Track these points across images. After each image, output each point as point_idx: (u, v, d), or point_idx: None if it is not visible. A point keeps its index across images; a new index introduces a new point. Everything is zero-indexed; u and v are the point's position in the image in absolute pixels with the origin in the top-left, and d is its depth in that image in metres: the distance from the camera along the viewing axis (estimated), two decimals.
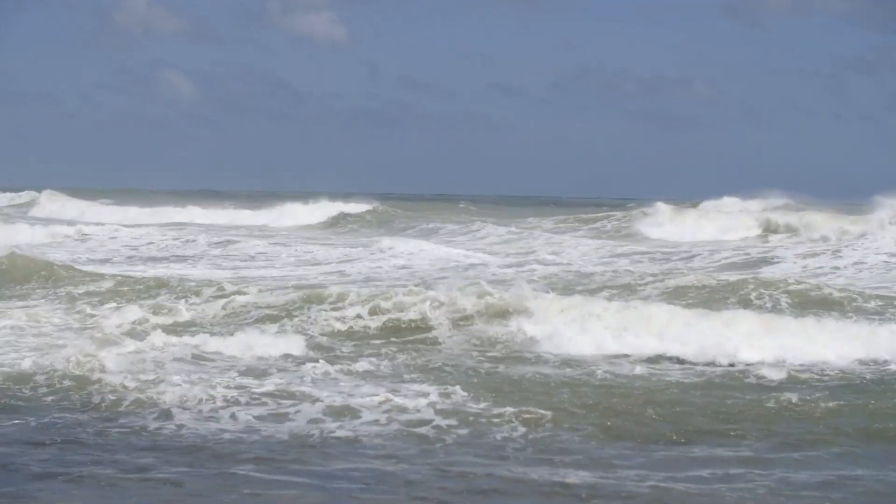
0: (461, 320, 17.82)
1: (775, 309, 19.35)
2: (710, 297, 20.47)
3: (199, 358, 15.04)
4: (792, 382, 14.11)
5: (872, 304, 19.70)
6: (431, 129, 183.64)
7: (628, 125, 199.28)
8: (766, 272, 27.12)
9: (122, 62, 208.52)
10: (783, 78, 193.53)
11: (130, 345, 15.04)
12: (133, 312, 18.14)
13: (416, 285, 20.23)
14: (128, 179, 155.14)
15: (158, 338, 15.62)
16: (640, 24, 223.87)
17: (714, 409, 12.52)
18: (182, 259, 31.36)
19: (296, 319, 18.14)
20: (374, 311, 18.09)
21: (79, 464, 9.99)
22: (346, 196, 64.19)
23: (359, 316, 17.96)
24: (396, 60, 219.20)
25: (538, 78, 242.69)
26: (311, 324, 17.83)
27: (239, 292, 19.94)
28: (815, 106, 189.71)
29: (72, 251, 33.86)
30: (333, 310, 18.33)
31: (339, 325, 17.68)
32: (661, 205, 46.82)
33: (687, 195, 66.62)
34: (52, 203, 69.07)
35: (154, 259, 31.72)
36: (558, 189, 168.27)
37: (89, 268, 25.68)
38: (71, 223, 46.15)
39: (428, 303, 18.06)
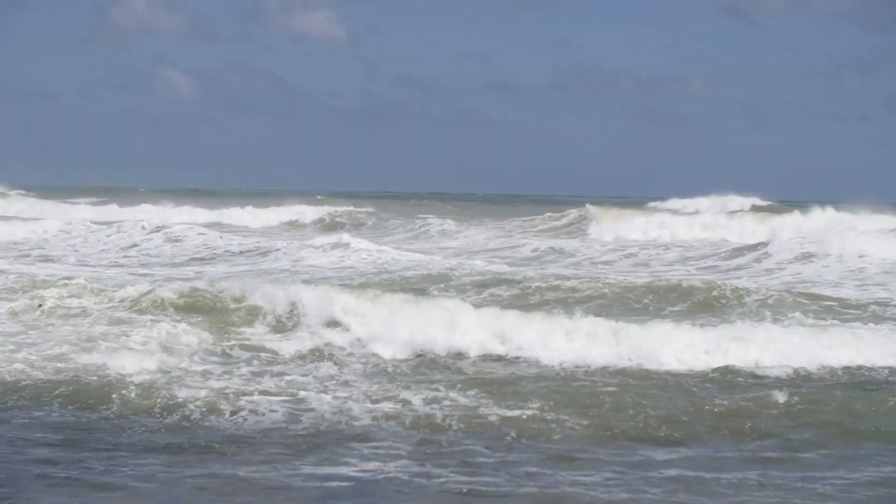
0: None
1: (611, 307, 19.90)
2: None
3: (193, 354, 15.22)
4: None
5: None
6: (430, 127, 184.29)
7: (627, 124, 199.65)
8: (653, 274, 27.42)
9: (121, 60, 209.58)
10: (781, 77, 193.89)
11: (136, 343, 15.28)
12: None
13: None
14: (126, 178, 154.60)
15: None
16: (638, 24, 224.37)
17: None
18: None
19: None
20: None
21: (89, 463, 10.16)
22: (332, 196, 64.57)
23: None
24: (395, 59, 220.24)
25: (536, 77, 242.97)
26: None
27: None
28: (812, 105, 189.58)
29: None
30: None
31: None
32: (590, 206, 48.73)
33: (685, 193, 67.16)
34: (20, 202, 68.51)
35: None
36: (557, 188, 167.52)
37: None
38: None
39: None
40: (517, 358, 15.56)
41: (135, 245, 33.74)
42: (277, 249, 30.83)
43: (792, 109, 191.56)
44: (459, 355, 15.71)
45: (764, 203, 61.35)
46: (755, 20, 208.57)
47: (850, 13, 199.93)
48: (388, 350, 15.61)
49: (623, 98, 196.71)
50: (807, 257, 29.70)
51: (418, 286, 21.99)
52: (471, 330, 16.36)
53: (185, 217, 56.30)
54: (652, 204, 64.13)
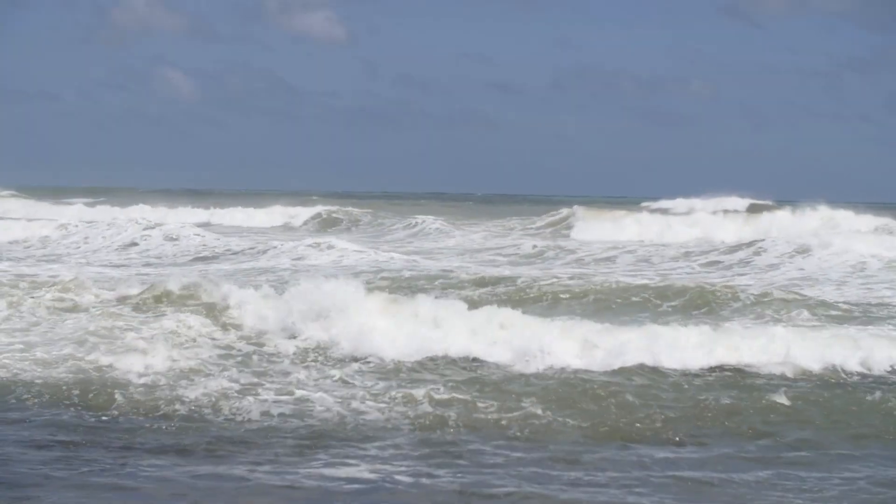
0: None
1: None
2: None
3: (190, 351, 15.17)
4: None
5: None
6: (430, 127, 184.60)
7: (626, 124, 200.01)
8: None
9: (121, 60, 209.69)
10: (781, 77, 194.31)
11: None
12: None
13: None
14: (126, 178, 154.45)
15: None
16: (638, 24, 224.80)
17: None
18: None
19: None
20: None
21: (99, 463, 10.24)
22: (330, 196, 64.78)
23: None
24: (395, 59, 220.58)
25: (536, 77, 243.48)
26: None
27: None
28: (812, 105, 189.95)
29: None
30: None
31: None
32: (578, 207, 49.20)
33: (685, 193, 67.20)
34: (12, 202, 68.50)
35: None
36: (557, 188, 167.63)
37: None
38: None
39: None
40: (515, 358, 15.47)
41: (134, 244, 33.81)
42: (275, 247, 30.96)
43: (792, 109, 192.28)
44: (459, 355, 15.65)
45: (760, 202, 61.05)
46: (755, 20, 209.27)
47: (850, 13, 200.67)
48: (389, 350, 15.64)
49: (623, 98, 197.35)
50: (801, 253, 29.67)
51: (415, 285, 22.03)
52: (469, 330, 16.34)
53: (179, 218, 56.40)
54: (644, 204, 64.09)
